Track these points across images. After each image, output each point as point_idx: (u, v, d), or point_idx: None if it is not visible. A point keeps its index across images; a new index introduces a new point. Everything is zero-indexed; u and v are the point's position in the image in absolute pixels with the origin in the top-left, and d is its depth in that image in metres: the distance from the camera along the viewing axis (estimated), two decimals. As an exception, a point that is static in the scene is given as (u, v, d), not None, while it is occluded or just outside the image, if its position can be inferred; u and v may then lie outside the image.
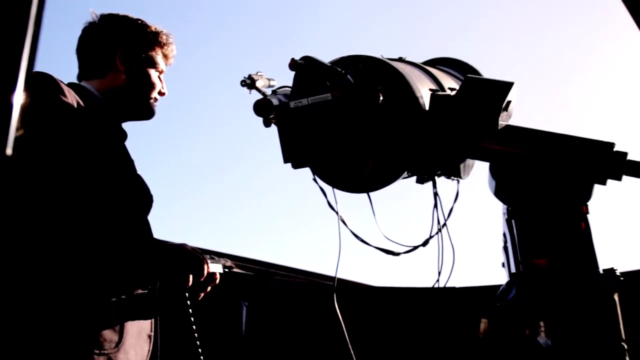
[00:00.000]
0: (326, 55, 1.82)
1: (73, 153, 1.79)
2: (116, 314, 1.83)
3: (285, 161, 1.90)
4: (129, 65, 2.14)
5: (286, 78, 1.86)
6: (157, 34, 2.21)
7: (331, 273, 2.07)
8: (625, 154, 1.65)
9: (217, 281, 2.01)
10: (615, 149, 1.65)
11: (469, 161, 2.06)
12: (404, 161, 1.88)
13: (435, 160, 1.98)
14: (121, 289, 1.85)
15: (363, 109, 1.77)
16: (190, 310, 1.96)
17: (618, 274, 1.60)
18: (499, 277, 1.83)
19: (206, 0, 7.51)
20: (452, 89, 1.99)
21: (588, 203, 1.66)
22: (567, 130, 1.73)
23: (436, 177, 2.05)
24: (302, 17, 7.63)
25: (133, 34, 2.17)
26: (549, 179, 1.68)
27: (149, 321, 1.99)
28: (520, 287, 1.63)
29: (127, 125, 2.17)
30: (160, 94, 2.22)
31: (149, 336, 1.98)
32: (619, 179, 1.65)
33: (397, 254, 2.01)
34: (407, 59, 2.10)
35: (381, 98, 1.75)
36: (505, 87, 1.76)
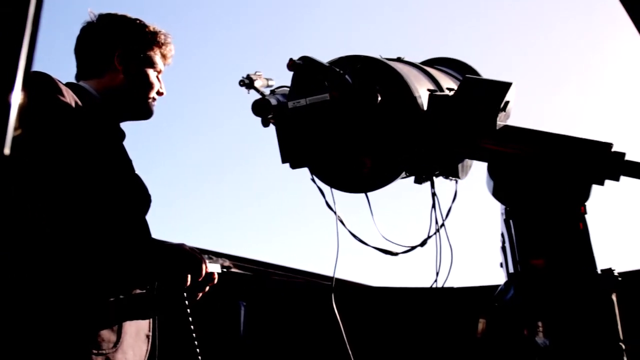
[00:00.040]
0: (324, 55, 1.82)
1: (71, 153, 1.78)
2: (114, 313, 1.83)
3: (284, 161, 1.90)
4: (127, 65, 2.13)
5: (285, 78, 1.86)
6: (155, 33, 2.21)
7: (329, 273, 2.07)
8: (623, 154, 1.65)
9: (215, 281, 2.01)
10: (613, 150, 1.65)
11: (467, 161, 2.06)
12: (402, 161, 1.88)
13: (433, 161, 1.98)
14: (119, 288, 1.85)
15: (361, 109, 1.77)
16: (189, 310, 1.96)
17: (616, 274, 1.60)
18: (497, 277, 1.84)
19: (205, 0, 7.51)
20: (450, 89, 1.99)
21: (586, 203, 1.66)
22: (565, 130, 1.73)
23: (434, 177, 2.05)
24: (301, 17, 7.63)
25: (131, 33, 2.17)
26: (547, 179, 1.68)
27: (147, 321, 1.99)
28: (518, 287, 1.64)
29: (125, 125, 2.17)
30: (159, 93, 2.22)
31: (147, 336, 1.98)
32: (617, 179, 1.65)
33: (395, 254, 2.01)
34: (406, 59, 2.10)
35: (379, 98, 1.75)
36: (503, 87, 1.76)
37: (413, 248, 2.02)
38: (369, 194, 2.01)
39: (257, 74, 1.86)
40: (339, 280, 2.01)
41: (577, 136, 1.70)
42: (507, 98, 1.74)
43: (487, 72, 2.29)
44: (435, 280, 2.05)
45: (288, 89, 1.84)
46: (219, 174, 7.52)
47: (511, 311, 1.65)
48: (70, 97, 1.86)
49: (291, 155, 1.89)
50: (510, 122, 1.83)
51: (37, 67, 1.75)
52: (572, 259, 1.63)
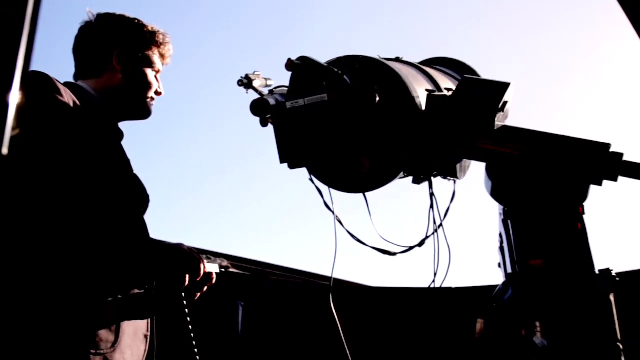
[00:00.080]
0: (323, 55, 1.83)
1: (69, 152, 1.78)
2: (112, 313, 1.83)
3: (282, 161, 1.90)
4: (126, 64, 2.13)
5: (283, 78, 1.86)
6: (153, 33, 2.21)
7: (327, 273, 2.07)
8: (621, 154, 1.65)
9: (214, 281, 2.01)
10: (611, 150, 1.66)
11: (465, 162, 2.06)
12: (401, 161, 1.88)
13: (431, 161, 1.98)
14: (117, 288, 1.85)
15: (359, 109, 1.77)
16: (187, 310, 1.96)
17: (614, 274, 1.61)
18: (495, 277, 1.84)
19: (204, 0, 7.51)
20: (448, 89, 1.99)
21: (584, 204, 1.67)
22: (563, 131, 1.73)
23: (432, 178, 2.05)
24: (300, 16, 7.63)
25: (130, 33, 2.17)
26: (546, 179, 1.68)
27: (145, 321, 1.99)
28: (516, 287, 1.64)
29: (124, 125, 2.17)
30: (157, 93, 2.21)
31: (146, 336, 1.98)
32: (615, 179, 1.65)
33: (394, 254, 2.01)
34: (404, 58, 2.10)
35: (378, 98, 1.75)
36: (501, 87, 1.76)
37: (411, 248, 2.02)
38: (367, 194, 2.01)
39: (256, 73, 1.86)
40: (337, 280, 2.01)
41: (575, 136, 1.70)
42: (505, 98, 1.75)
43: (486, 72, 2.29)
44: (434, 281, 2.05)
45: (287, 88, 1.84)
46: (217, 174, 7.52)
47: (509, 311, 1.65)
48: (68, 97, 1.86)
49: (289, 155, 1.89)
50: (509, 122, 1.84)
51: (35, 66, 1.75)
52: (570, 259, 1.64)
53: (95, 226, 1.79)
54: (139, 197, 2.06)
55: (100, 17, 2.18)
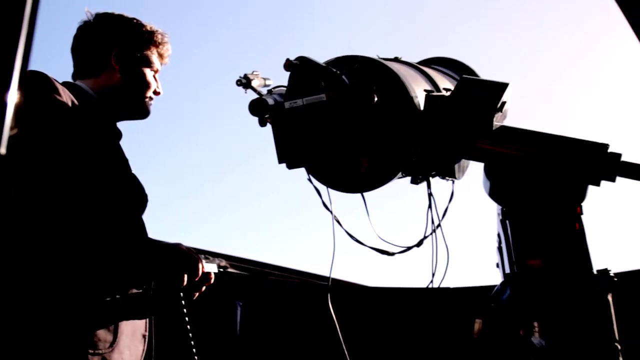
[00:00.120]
0: (321, 55, 1.82)
1: (67, 152, 1.78)
2: (111, 313, 1.82)
3: (280, 161, 1.90)
4: (124, 64, 2.13)
5: (282, 77, 1.86)
6: (152, 33, 2.21)
7: (325, 273, 2.07)
8: (619, 155, 1.65)
9: (212, 281, 2.01)
10: (609, 150, 1.66)
11: (463, 162, 2.06)
12: (399, 161, 1.88)
13: (430, 161, 1.98)
14: (116, 288, 1.85)
15: (358, 109, 1.77)
16: (185, 310, 1.96)
17: (612, 274, 1.61)
18: (494, 277, 1.84)
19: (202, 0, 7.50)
20: (447, 90, 1.99)
21: (582, 204, 1.67)
22: (561, 131, 1.73)
23: (431, 178, 2.05)
24: (298, 16, 7.63)
25: (128, 33, 2.17)
26: (544, 179, 1.68)
27: (143, 321, 1.99)
28: (514, 287, 1.64)
29: (123, 125, 2.17)
30: (156, 93, 2.21)
31: (144, 336, 1.98)
32: (613, 180, 1.65)
33: (392, 254, 2.01)
34: (403, 58, 2.10)
35: (376, 98, 1.75)
36: (500, 87, 1.76)
37: (409, 248, 2.02)
38: (365, 194, 2.01)
39: (255, 73, 1.85)
40: (335, 280, 2.01)
41: (573, 137, 1.70)
42: (503, 98, 1.75)
43: (484, 71, 2.29)
44: (432, 281, 2.05)
45: (285, 88, 1.84)
46: (215, 174, 7.52)
47: (507, 311, 1.65)
48: (66, 97, 1.85)
49: (288, 155, 1.89)
50: (507, 122, 1.84)
51: (33, 66, 1.75)
52: (568, 259, 1.64)
53: (94, 226, 1.79)
54: (138, 197, 2.06)
55: (99, 16, 2.18)
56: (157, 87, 2.21)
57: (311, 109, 1.74)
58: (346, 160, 1.90)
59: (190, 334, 2.01)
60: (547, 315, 1.59)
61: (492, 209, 1.79)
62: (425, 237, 2.03)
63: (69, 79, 2.14)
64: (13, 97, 0.72)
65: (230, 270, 2.16)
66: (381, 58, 1.93)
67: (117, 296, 1.84)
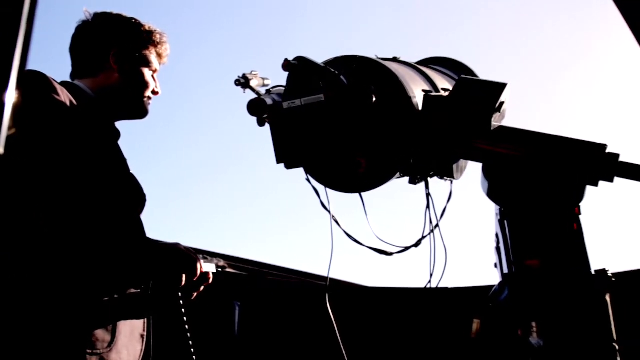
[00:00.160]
0: (320, 55, 1.82)
1: (66, 152, 1.78)
2: (109, 313, 1.82)
3: (278, 161, 1.90)
4: (122, 64, 2.13)
5: (281, 77, 1.86)
6: (150, 32, 2.20)
7: (324, 273, 2.07)
8: (617, 155, 1.65)
9: (210, 281, 2.01)
10: (607, 151, 1.66)
11: (462, 162, 2.06)
12: (397, 162, 1.88)
13: (428, 161, 1.98)
14: (114, 288, 1.85)
15: (356, 109, 1.77)
16: (183, 310, 1.96)
17: (610, 274, 1.61)
18: (492, 277, 1.84)
19: (200, -1, 7.50)
20: (445, 90, 1.99)
21: (580, 204, 1.67)
22: (560, 131, 1.73)
23: (429, 178, 2.05)
24: (297, 16, 7.63)
25: (127, 32, 2.17)
26: (542, 180, 1.68)
27: (141, 321, 1.98)
28: (512, 287, 1.64)
29: (121, 125, 2.17)
30: (154, 93, 2.21)
31: (142, 336, 1.98)
32: (611, 180, 1.65)
33: (390, 254, 2.01)
34: (402, 58, 2.10)
35: (374, 99, 1.75)
36: (498, 88, 1.76)
37: (407, 248, 2.02)
38: (363, 194, 2.01)
39: (253, 73, 1.85)
40: (333, 280, 2.01)
41: (571, 137, 1.71)
42: (502, 99, 1.75)
43: (483, 71, 2.29)
44: (430, 281, 2.05)
45: (284, 88, 1.84)
46: (213, 174, 7.51)
47: (505, 311, 1.65)
48: (65, 96, 1.85)
49: (286, 155, 1.89)
50: (505, 122, 1.84)
51: (31, 65, 1.75)
52: (566, 259, 1.64)
53: (92, 226, 1.79)
54: (136, 197, 2.06)
55: (97, 16, 2.18)
56: (156, 86, 2.21)
57: (309, 109, 1.74)
58: (344, 160, 1.90)
59: (189, 334, 2.01)
60: (545, 316, 1.59)
61: (491, 209, 1.79)
62: (423, 237, 2.03)
63: (68, 79, 2.14)
64: (11, 96, 0.72)
65: (228, 270, 2.16)
66: (379, 58, 1.93)
67: (116, 296, 1.84)
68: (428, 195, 2.05)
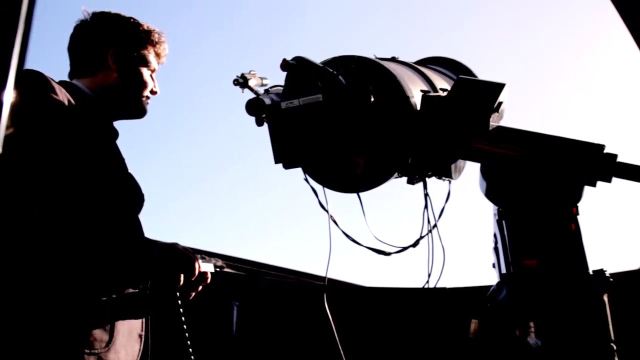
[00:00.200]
0: (318, 55, 1.83)
1: (64, 151, 1.78)
2: (107, 313, 1.82)
3: (277, 161, 1.90)
4: (121, 63, 2.13)
5: (279, 77, 1.86)
6: (149, 32, 2.20)
7: (322, 273, 2.07)
8: (615, 156, 1.66)
9: (208, 281, 2.01)
10: (605, 151, 1.66)
11: (460, 162, 2.06)
12: (395, 162, 1.88)
13: (426, 161, 1.98)
14: (112, 288, 1.85)
15: (354, 109, 1.77)
16: (181, 310, 1.96)
17: (607, 275, 1.61)
18: (490, 277, 1.84)
19: (199, -1, 7.50)
20: (444, 90, 1.99)
21: (578, 204, 1.67)
22: (558, 131, 1.74)
23: (427, 178, 2.05)
24: (296, 16, 7.63)
25: (125, 32, 2.17)
26: (540, 180, 1.68)
27: (139, 320, 1.98)
28: (510, 287, 1.64)
29: (120, 124, 2.17)
30: (152, 92, 2.21)
31: (140, 335, 1.98)
32: (609, 180, 1.65)
33: (388, 254, 2.01)
34: (400, 58, 2.10)
35: (372, 99, 1.75)
36: (496, 88, 1.77)
37: (405, 248, 2.02)
38: (361, 194, 2.01)
39: (252, 73, 1.85)
40: (331, 280, 2.01)
41: (570, 137, 1.71)
42: (500, 99, 1.75)
43: (481, 71, 2.29)
44: (428, 281, 2.05)
45: (282, 88, 1.84)
46: (212, 174, 7.51)
47: (503, 312, 1.65)
48: (63, 96, 1.85)
49: (284, 155, 1.89)
50: (504, 122, 1.84)
51: (29, 65, 1.75)
52: (564, 259, 1.64)
53: (90, 225, 1.78)
54: (134, 197, 2.06)
55: (96, 15, 2.18)
56: (154, 86, 2.21)
57: (308, 109, 1.74)
58: (343, 160, 1.90)
59: (187, 334, 2.01)
60: (543, 316, 1.60)
61: (489, 209, 1.79)
62: (421, 237, 2.03)
63: (66, 78, 2.14)
64: (9, 96, 0.72)
65: (226, 270, 2.16)
66: (378, 58, 1.94)
67: (114, 296, 1.84)
68: (426, 195, 2.05)
